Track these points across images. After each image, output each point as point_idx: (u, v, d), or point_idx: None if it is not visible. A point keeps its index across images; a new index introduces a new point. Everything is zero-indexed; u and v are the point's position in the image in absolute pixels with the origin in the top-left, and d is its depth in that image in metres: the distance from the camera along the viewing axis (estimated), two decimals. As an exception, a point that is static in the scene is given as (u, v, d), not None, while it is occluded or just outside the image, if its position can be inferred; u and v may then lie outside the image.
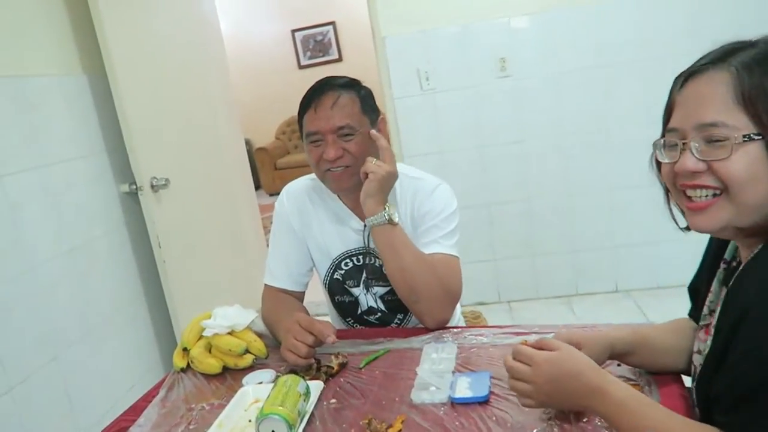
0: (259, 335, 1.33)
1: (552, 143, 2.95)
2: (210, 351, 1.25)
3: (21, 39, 1.97)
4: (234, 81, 3.65)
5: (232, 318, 1.23)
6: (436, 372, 1.05)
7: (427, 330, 1.26)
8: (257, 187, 4.59)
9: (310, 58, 7.34)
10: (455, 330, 1.23)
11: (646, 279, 3.05)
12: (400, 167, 1.43)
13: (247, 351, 1.22)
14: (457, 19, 2.86)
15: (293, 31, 7.27)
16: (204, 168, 2.82)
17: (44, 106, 2.03)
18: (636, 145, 2.90)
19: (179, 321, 2.39)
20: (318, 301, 1.62)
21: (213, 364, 1.22)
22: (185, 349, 1.26)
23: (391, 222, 1.26)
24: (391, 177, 1.28)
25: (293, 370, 1.14)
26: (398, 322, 1.46)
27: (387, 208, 1.26)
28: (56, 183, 2.05)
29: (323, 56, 7.27)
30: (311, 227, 1.43)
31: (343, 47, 7.16)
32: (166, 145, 2.49)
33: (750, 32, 0.81)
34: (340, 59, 7.14)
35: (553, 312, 2.99)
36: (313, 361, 1.14)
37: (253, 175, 3.59)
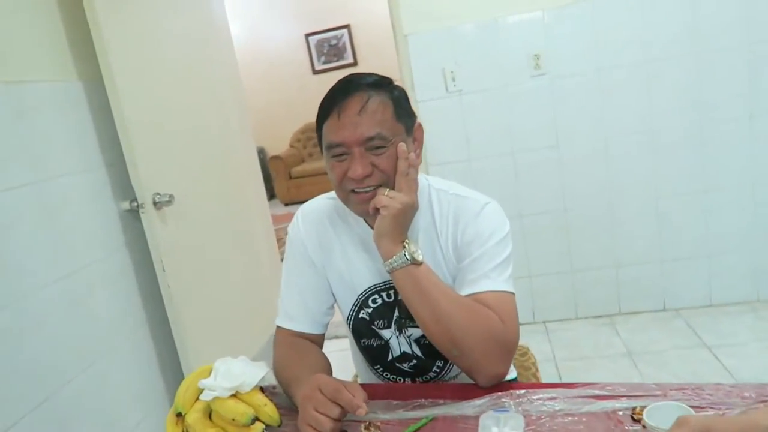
0: (272, 393, 1.09)
1: (591, 147, 2.68)
2: (210, 416, 1.01)
3: (7, 41, 1.77)
4: (246, 87, 3.44)
5: (237, 376, 0.99)
6: (501, 456, 0.80)
7: (480, 390, 1.01)
8: (271, 196, 4.40)
9: (325, 62, 7.15)
10: (517, 392, 0.97)
11: (698, 296, 2.77)
12: (437, 182, 1.19)
13: (255, 419, 0.98)
14: (485, 14, 2.61)
15: (307, 36, 7.09)
16: (212, 182, 2.60)
17: (35, 115, 1.82)
18: (684, 147, 2.67)
19: (187, 351, 2.16)
20: (336, 321, 1.33)
21: (213, 436, 0.98)
22: (179, 414, 1.02)
23: (414, 262, 1.02)
24: (408, 209, 1.04)
25: (314, 448, 0.89)
26: (438, 370, 1.21)
27: (407, 246, 1.03)
28: (49, 200, 1.84)
29: (338, 60, 7.08)
30: (332, 256, 1.19)
31: (358, 51, 6.95)
32: (170, 157, 2.28)
33: None
34: (355, 63, 6.94)
35: (595, 334, 2.72)
36: (338, 436, 0.90)
37: (267, 184, 3.37)
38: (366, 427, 0.93)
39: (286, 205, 6.79)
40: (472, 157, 2.75)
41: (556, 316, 2.88)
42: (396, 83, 1.09)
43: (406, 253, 1.02)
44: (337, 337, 2.53)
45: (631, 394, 0.92)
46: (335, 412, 0.88)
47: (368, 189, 1.04)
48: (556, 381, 2.38)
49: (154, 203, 2.12)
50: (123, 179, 2.11)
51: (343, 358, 1.44)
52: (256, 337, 2.80)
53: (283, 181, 6.74)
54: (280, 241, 3.88)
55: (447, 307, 1.00)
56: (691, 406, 0.82)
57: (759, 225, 2.64)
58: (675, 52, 2.52)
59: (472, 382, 1.06)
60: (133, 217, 2.17)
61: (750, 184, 2.60)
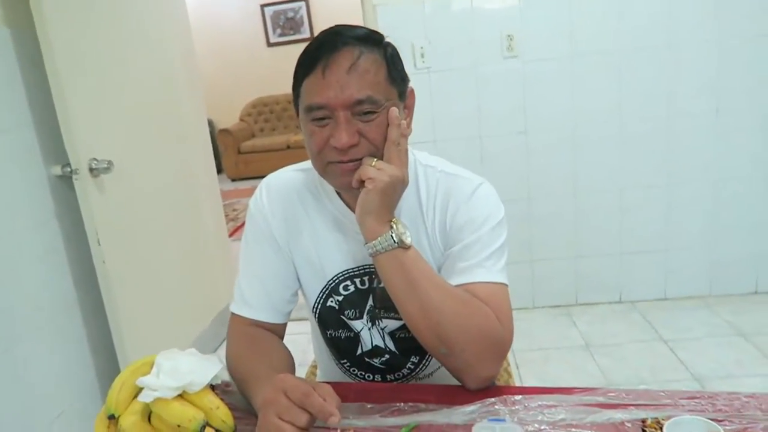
0: (225, 391, 0.94)
1: (559, 136, 2.62)
2: (149, 420, 0.85)
3: None
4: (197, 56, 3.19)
5: (185, 374, 0.84)
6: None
7: (468, 393, 0.89)
8: (218, 171, 4.16)
9: (281, 35, 6.87)
10: (512, 397, 0.86)
11: (653, 290, 2.77)
12: (425, 157, 1.05)
13: (205, 425, 0.82)
14: (459, -11, 2.49)
15: (262, 6, 6.79)
16: (157, 150, 2.37)
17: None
18: (651, 140, 2.63)
19: (122, 334, 1.96)
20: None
21: (154, 444, 0.82)
22: (112, 417, 0.86)
23: (402, 245, 0.89)
24: (398, 184, 0.90)
25: (276, 462, 0.75)
26: (412, 367, 1.09)
27: (394, 226, 0.89)
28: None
29: (294, 34, 6.82)
30: (300, 237, 1.04)
31: (316, 26, 6.71)
32: (110, 120, 2.04)
33: None
34: (312, 38, 6.69)
35: (552, 324, 2.68)
36: (306, 448, 0.76)
37: (214, 158, 3.14)
38: (338, 437, 0.79)
39: (234, 180, 6.53)
40: (438, 138, 2.64)
41: (513, 305, 2.80)
42: (388, 40, 0.94)
43: (393, 235, 0.88)
44: (291, 319, 2.38)
45: (637, 402, 0.82)
46: (302, 419, 0.74)
47: (351, 161, 0.89)
48: (514, 373, 2.32)
49: (90, 170, 1.89)
50: (55, 141, 1.87)
51: (294, 343, 1.26)
52: (199, 320, 2.61)
53: (231, 155, 6.47)
54: (226, 218, 3.66)
55: (438, 300, 0.87)
56: (709, 419, 0.73)
57: (716, 221, 2.65)
58: (647, 43, 2.47)
59: (448, 381, 0.95)
60: (65, 184, 1.94)
61: (712, 180, 2.60)
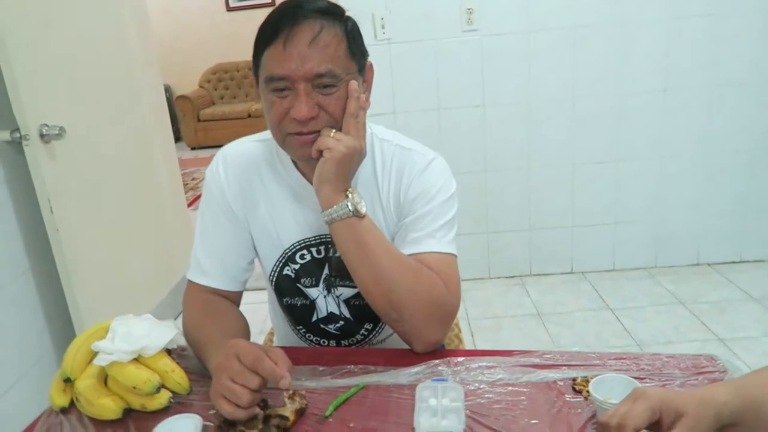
0: (180, 355, 0.96)
1: (514, 110, 2.67)
2: (106, 383, 0.88)
3: None
4: (153, 19, 3.10)
5: (139, 338, 0.86)
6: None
7: (414, 356, 0.94)
8: (177, 139, 4.10)
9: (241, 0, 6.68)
10: (455, 359, 0.91)
11: (602, 261, 2.89)
12: (381, 131, 1.08)
13: (161, 387, 0.85)
14: (421, -41, 2.48)
15: (222, -32, 6.57)
16: (112, 116, 2.32)
17: None
18: (602, 117, 2.72)
19: (77, 303, 1.94)
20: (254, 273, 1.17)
21: (109, 406, 0.84)
22: (68, 380, 0.87)
23: (357, 214, 0.92)
24: (355, 154, 0.92)
25: (229, 421, 0.79)
26: (365, 333, 1.13)
27: (350, 195, 0.92)
28: None
29: (255, -1, 6.64)
30: (257, 207, 1.06)
31: (277, -10, 6.55)
32: (61, 84, 1.99)
33: None
34: (273, 3, 6.53)
35: (507, 294, 2.77)
36: (257, 409, 0.79)
37: (172, 126, 3.09)
38: (290, 397, 0.83)
39: (193, 149, 6.41)
40: (398, 110, 2.66)
41: (469, 275, 2.90)
42: (348, 14, 0.96)
43: (349, 204, 0.91)
44: (252, 289, 2.40)
45: (570, 363, 0.89)
46: (254, 382, 0.77)
47: (310, 133, 0.91)
48: (469, 340, 2.41)
49: (41, 135, 1.85)
50: (2, 106, 1.82)
51: (252, 312, 1.29)
52: (157, 290, 2.60)
53: (190, 123, 6.33)
54: (186, 187, 3.63)
55: (389, 267, 0.91)
56: (632, 377, 0.80)
57: (662, 196, 2.77)
58: (601, 20, 2.53)
59: (400, 346, 1.00)
60: (14, 150, 1.89)
61: (658, 157, 2.71)
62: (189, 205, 3.78)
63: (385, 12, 2.53)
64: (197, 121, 6.34)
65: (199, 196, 4.71)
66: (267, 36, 0.90)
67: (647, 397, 0.62)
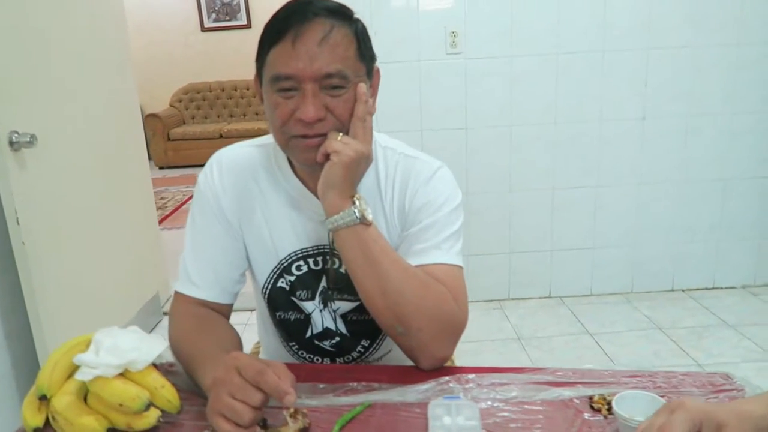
0: (168, 371, 0.89)
1: (496, 134, 2.69)
2: (86, 401, 0.80)
3: None
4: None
5: (126, 351, 0.79)
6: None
7: (421, 373, 0.89)
8: (148, 157, 4.03)
9: (215, 20, 6.64)
10: (465, 376, 0.86)
11: (580, 286, 2.90)
12: (384, 139, 1.05)
13: (150, 404, 0.78)
14: (407, -19, 2.50)
15: (198, -12, 6.54)
16: (85, 126, 2.23)
17: None
18: (583, 143, 2.75)
19: (41, 321, 1.83)
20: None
21: (92, 425, 0.76)
22: (43, 397, 0.79)
23: (363, 221, 0.87)
24: (362, 160, 0.89)
25: (227, 442, 0.72)
26: (362, 350, 1.08)
27: (357, 202, 0.87)
28: None
29: (230, 20, 6.61)
30: (253, 215, 1.00)
31: (253, 13, 6.54)
32: (33, 91, 1.91)
33: None
34: (249, 26, 6.52)
35: (486, 318, 2.74)
36: (257, 429, 0.73)
37: (143, 143, 3.01)
38: (291, 415, 0.77)
39: (161, 168, 6.26)
40: (381, 130, 2.61)
41: (448, 299, 2.86)
42: (357, 16, 0.93)
43: (356, 210, 0.86)
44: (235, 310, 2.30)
45: (584, 381, 0.86)
46: (256, 398, 0.71)
47: (317, 137, 0.87)
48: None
49: (11, 143, 1.76)
50: (-30, 110, 1.72)
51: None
52: (125, 310, 2.49)
53: (160, 142, 6.19)
54: (155, 205, 3.50)
55: (397, 279, 0.86)
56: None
57: (639, 222, 2.80)
58: (583, 48, 2.58)
59: (397, 363, 0.95)
60: (-19, 157, 1.79)
61: (636, 183, 2.75)
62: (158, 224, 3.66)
63: (370, 32, 2.52)
64: (167, 140, 6.22)
65: (168, 216, 4.59)
66: (274, 33, 0.86)
67: (687, 409, 0.59)
